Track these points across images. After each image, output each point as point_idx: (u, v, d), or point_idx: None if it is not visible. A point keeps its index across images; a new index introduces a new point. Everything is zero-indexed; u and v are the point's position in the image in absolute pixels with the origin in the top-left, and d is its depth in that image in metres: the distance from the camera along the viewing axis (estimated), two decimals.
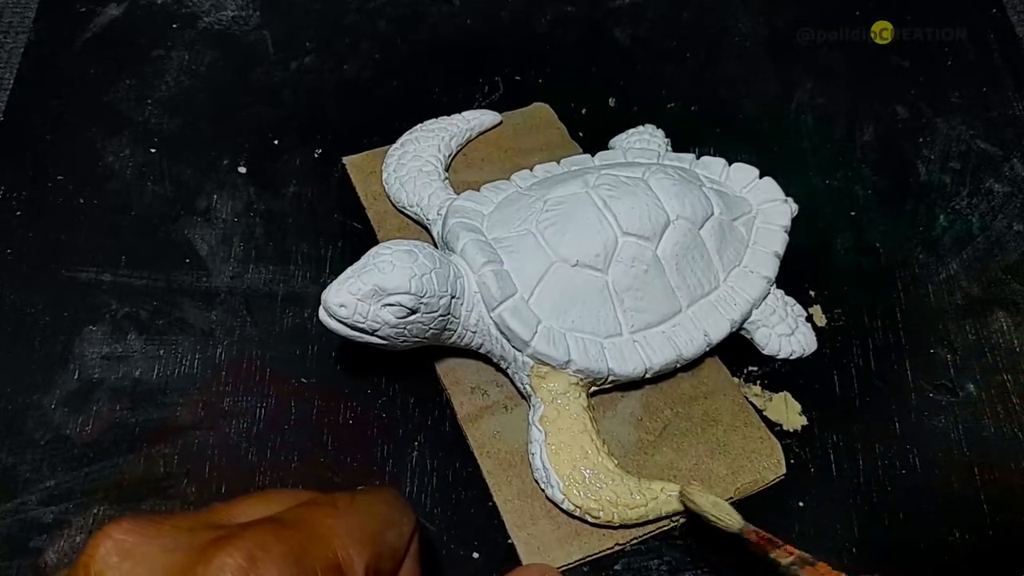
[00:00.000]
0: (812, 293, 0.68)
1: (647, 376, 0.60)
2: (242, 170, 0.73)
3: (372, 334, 0.54)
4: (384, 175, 0.70)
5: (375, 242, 0.58)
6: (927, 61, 0.83)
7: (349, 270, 0.54)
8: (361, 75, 0.81)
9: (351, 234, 0.70)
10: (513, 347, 0.57)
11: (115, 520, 0.32)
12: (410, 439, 0.60)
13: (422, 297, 0.53)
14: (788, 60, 0.83)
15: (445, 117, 0.73)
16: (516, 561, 0.55)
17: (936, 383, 0.64)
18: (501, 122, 0.75)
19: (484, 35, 0.84)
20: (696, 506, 0.54)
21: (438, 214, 0.65)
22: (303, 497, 0.37)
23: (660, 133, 0.74)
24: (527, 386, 0.59)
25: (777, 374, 0.64)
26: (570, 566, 0.55)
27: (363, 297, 0.53)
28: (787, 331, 0.64)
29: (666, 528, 0.57)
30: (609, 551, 0.56)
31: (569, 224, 0.59)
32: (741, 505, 0.56)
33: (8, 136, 0.75)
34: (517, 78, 0.80)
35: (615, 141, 0.74)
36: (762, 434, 0.60)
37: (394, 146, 0.71)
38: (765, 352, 0.64)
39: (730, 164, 0.68)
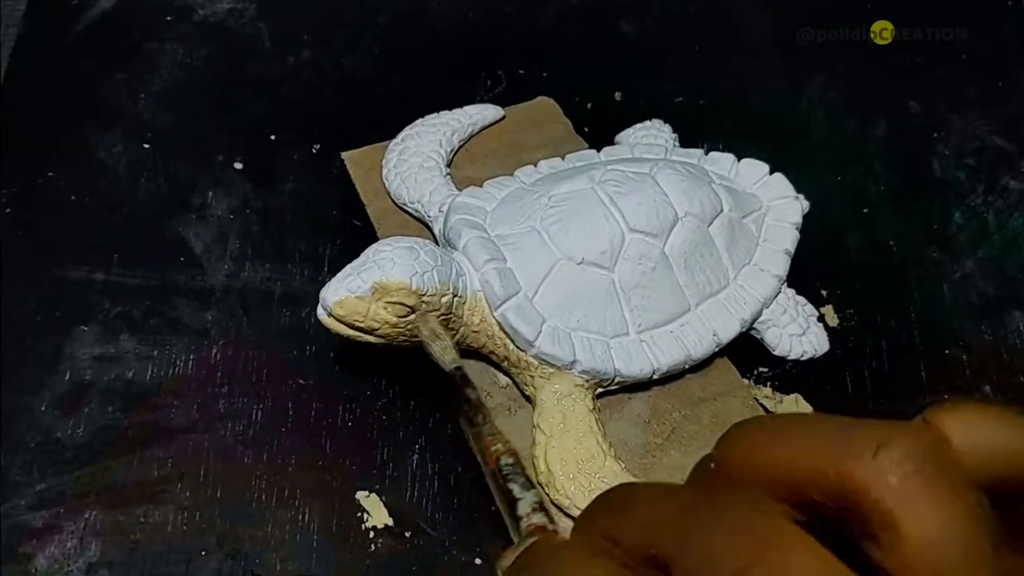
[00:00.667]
0: (824, 292, 0.68)
1: (655, 377, 0.60)
2: (238, 166, 0.73)
3: (371, 334, 0.54)
4: (384, 171, 0.70)
5: (375, 239, 0.58)
6: (941, 56, 0.83)
7: (348, 267, 0.54)
8: (360, 69, 0.80)
9: (350, 231, 0.70)
10: (517, 347, 0.57)
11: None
12: (411, 442, 0.60)
13: (423, 296, 0.53)
14: (798, 54, 0.83)
15: (447, 112, 0.73)
16: None
17: (951, 385, 0.64)
18: (504, 117, 0.74)
19: (486, 28, 0.84)
20: (420, 331, 0.54)
21: (439, 211, 0.64)
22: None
23: (667, 128, 0.73)
24: (531, 387, 0.59)
25: (788, 375, 0.64)
26: None
27: (362, 295, 0.53)
28: (798, 331, 0.64)
29: None
30: None
31: (574, 221, 0.58)
32: None
33: None
34: (520, 72, 0.80)
35: (621, 136, 0.74)
36: None
37: (394, 141, 0.71)
38: (776, 353, 0.64)
39: (739, 160, 0.67)
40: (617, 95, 0.79)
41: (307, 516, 0.57)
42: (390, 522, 0.56)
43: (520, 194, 0.62)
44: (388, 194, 0.69)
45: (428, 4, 0.86)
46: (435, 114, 0.73)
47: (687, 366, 0.61)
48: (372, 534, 0.56)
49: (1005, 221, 0.72)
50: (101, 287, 0.66)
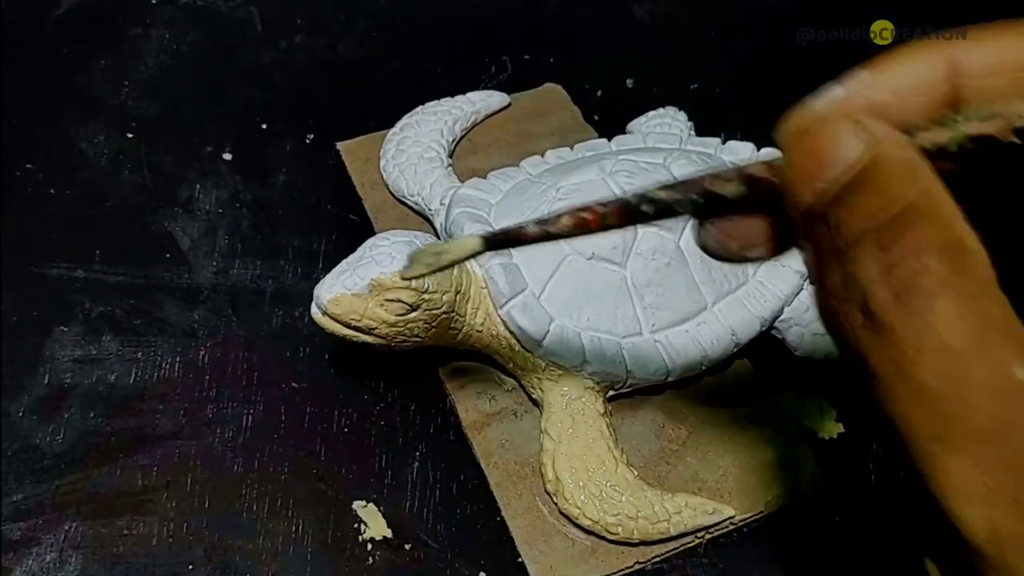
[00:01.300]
0: None
1: (669, 379, 0.59)
2: (227, 157, 0.73)
3: (369, 333, 0.54)
4: (382, 162, 0.70)
5: (372, 234, 0.58)
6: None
7: (344, 263, 0.54)
8: (357, 54, 0.80)
9: (346, 226, 0.70)
10: (523, 348, 0.57)
11: None
12: (411, 448, 0.60)
13: (423, 293, 0.53)
14: (816, 37, 0.83)
15: (448, 99, 0.73)
16: None
17: None
18: (509, 104, 0.75)
19: (491, 10, 0.84)
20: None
21: (441, 204, 0.64)
22: None
23: (682, 116, 0.73)
24: (538, 390, 0.58)
25: (811, 378, 0.63)
26: None
27: (359, 293, 0.52)
28: (822, 331, 0.63)
29: (690, 545, 0.56)
30: (628, 570, 0.55)
31: None
32: (771, 520, 0.56)
33: None
34: (527, 57, 0.80)
35: (633, 125, 0.73)
36: (795, 443, 0.60)
37: (393, 130, 0.71)
38: (798, 353, 0.63)
39: (759, 149, 0.67)
40: (629, 82, 0.79)
41: (300, 527, 0.56)
42: (389, 534, 0.56)
43: (526, 186, 0.62)
44: (386, 186, 0.69)
45: None
46: (436, 101, 0.73)
47: (704, 368, 0.60)
48: (370, 546, 0.56)
49: None
50: (82, 285, 0.66)
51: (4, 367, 0.62)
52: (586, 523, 0.55)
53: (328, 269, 0.54)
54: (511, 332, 0.57)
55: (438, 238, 0.62)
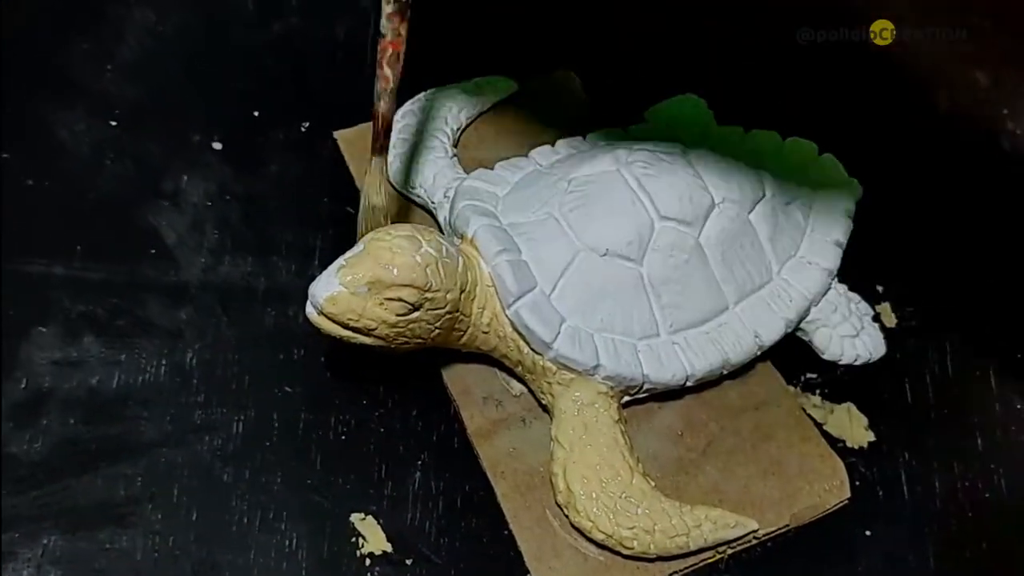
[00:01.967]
0: (880, 288, 0.67)
1: (688, 384, 0.59)
2: (217, 146, 0.73)
3: (368, 334, 0.54)
4: None
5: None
6: (1010, 20, 0.82)
7: (341, 259, 0.54)
8: (355, 37, 0.80)
9: (344, 220, 0.69)
10: (532, 350, 0.57)
11: None
12: (412, 458, 0.60)
13: (426, 291, 0.53)
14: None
15: (453, 85, 0.73)
16: None
17: None
18: (518, 90, 0.74)
19: None
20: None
21: (445, 196, 0.64)
22: None
23: (703, 104, 0.73)
24: (548, 396, 0.58)
25: (839, 382, 0.63)
26: None
27: (357, 291, 0.52)
28: (851, 332, 0.63)
29: (710, 560, 0.56)
30: None
31: (597, 207, 0.58)
32: (797, 535, 0.56)
33: None
34: (537, 40, 0.80)
35: (651, 113, 0.73)
36: (822, 452, 0.60)
37: (394, 118, 0.71)
38: (825, 357, 0.63)
39: (784, 139, 0.67)
40: (645, 67, 0.79)
41: (294, 542, 0.56)
42: (388, 548, 0.56)
43: (536, 177, 0.62)
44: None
45: None
46: (440, 87, 0.72)
47: (725, 372, 0.60)
48: (368, 562, 0.56)
49: None
50: (61, 283, 0.66)
51: None
52: (599, 537, 0.55)
53: (324, 266, 0.54)
54: (519, 333, 0.57)
55: (442, 232, 0.62)
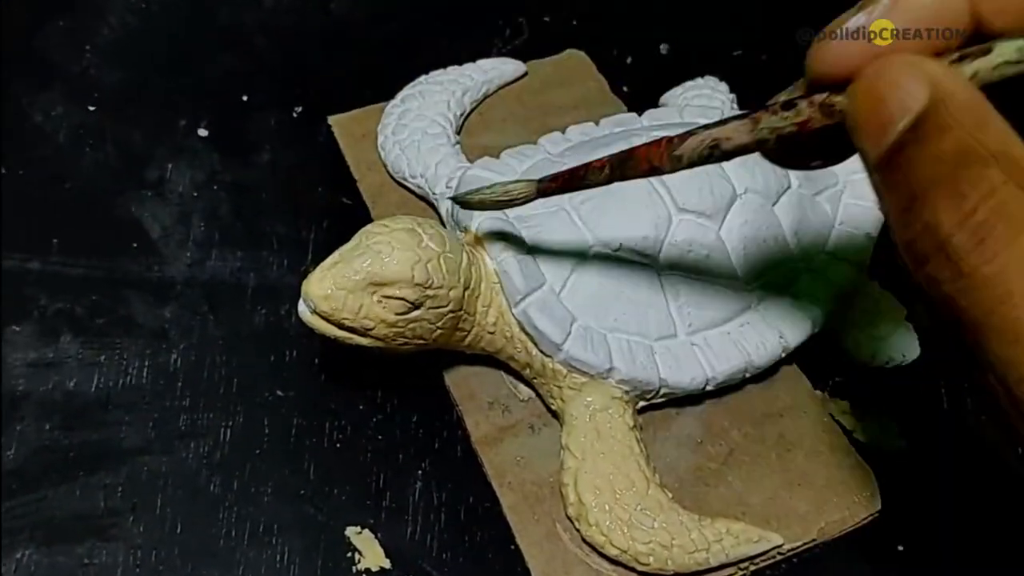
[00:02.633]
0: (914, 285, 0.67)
1: (708, 388, 0.59)
2: (203, 133, 0.73)
3: (365, 335, 0.54)
4: (380, 139, 0.70)
5: (369, 221, 0.58)
6: None
7: (336, 254, 0.54)
8: (352, 15, 0.80)
9: (339, 211, 0.70)
10: (541, 352, 0.57)
11: None
12: (412, 467, 0.60)
13: (427, 288, 0.53)
14: None
15: (456, 67, 0.73)
16: None
17: None
18: (526, 73, 0.75)
19: None
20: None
21: (447, 187, 0.64)
22: None
23: (724, 87, 0.73)
24: (558, 401, 0.58)
25: (870, 386, 0.63)
26: None
27: (353, 288, 0.52)
28: (882, 333, 0.63)
29: None
30: None
31: (611, 199, 0.58)
32: (825, 550, 0.55)
33: None
34: (546, 19, 0.80)
35: (668, 97, 0.74)
36: (851, 461, 0.60)
37: (392, 103, 0.71)
38: (855, 359, 0.63)
39: None
40: (663, 47, 0.79)
41: (286, 556, 0.56)
42: (386, 564, 0.56)
43: (545, 166, 0.62)
44: (385, 167, 0.69)
45: None
46: (442, 70, 0.73)
47: (747, 375, 0.60)
48: None
49: None
50: (37, 279, 0.66)
51: None
52: (613, 552, 0.54)
53: (318, 261, 0.54)
54: (527, 334, 0.57)
55: (443, 225, 0.62)
